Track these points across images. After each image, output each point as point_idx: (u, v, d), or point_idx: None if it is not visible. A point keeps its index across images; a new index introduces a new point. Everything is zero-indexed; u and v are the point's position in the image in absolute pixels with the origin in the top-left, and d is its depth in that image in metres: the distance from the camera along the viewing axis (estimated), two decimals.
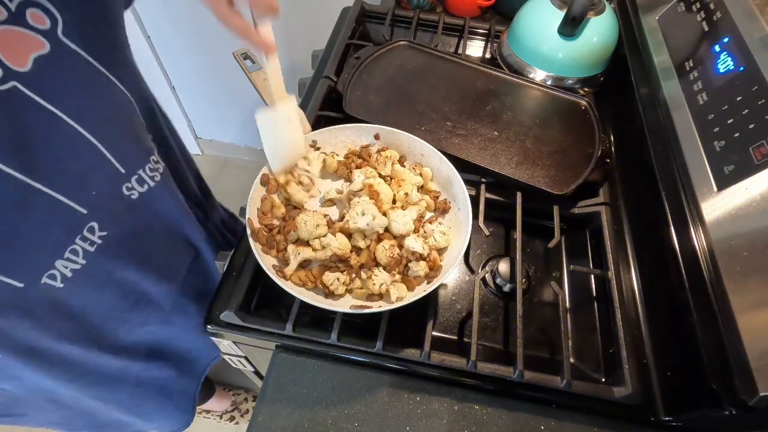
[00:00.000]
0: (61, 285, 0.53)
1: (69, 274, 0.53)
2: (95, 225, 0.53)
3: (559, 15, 0.76)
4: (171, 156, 0.72)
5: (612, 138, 0.78)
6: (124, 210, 0.56)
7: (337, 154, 0.66)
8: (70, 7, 0.46)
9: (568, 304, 0.65)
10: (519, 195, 0.66)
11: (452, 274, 0.67)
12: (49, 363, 0.59)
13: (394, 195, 0.62)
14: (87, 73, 0.49)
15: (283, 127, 0.59)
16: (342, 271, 0.56)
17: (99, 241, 0.54)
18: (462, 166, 0.65)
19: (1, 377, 0.61)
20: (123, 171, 0.54)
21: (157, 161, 0.61)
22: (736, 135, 0.48)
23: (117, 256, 0.57)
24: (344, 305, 0.55)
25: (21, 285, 0.49)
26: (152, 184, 0.59)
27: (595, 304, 0.64)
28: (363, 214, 0.57)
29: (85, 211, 0.51)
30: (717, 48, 0.55)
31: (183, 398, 0.85)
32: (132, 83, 0.59)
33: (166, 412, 0.84)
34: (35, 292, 0.51)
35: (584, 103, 0.77)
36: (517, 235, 0.63)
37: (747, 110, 0.48)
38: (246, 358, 0.73)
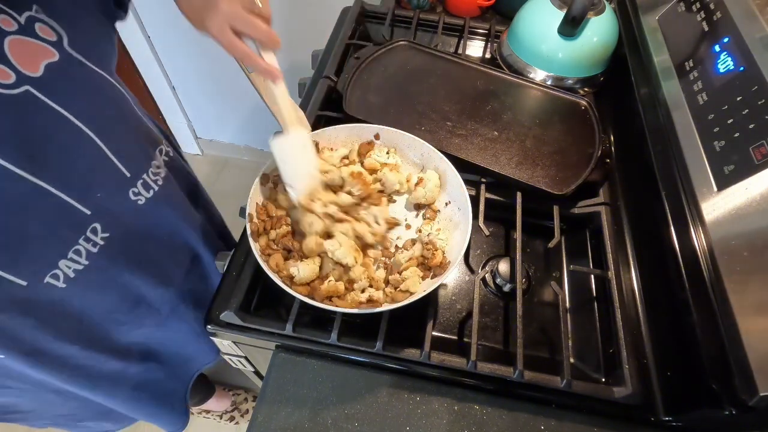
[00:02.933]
0: (64, 285, 0.53)
1: (72, 275, 0.53)
2: (98, 226, 0.54)
3: (559, 15, 0.76)
4: (174, 153, 0.72)
5: (612, 138, 0.78)
6: (130, 214, 0.57)
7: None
8: (71, 25, 0.49)
9: (568, 304, 0.65)
10: (519, 195, 0.66)
11: (452, 274, 0.67)
12: (50, 364, 0.60)
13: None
14: (93, 80, 0.51)
15: (300, 154, 0.58)
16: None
17: (101, 242, 0.55)
18: (462, 166, 0.65)
19: (6, 376, 0.61)
20: (128, 175, 0.55)
21: (159, 165, 0.62)
22: (736, 135, 0.48)
23: (118, 259, 0.58)
24: (344, 305, 0.55)
25: (25, 283, 0.50)
26: (156, 188, 0.60)
27: (595, 304, 0.64)
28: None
29: (88, 212, 0.52)
30: (717, 48, 0.55)
31: (175, 400, 0.86)
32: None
33: (163, 414, 0.84)
34: (38, 291, 0.52)
35: (584, 103, 0.77)
36: (517, 235, 0.63)
37: (747, 110, 0.48)
38: (246, 358, 0.73)
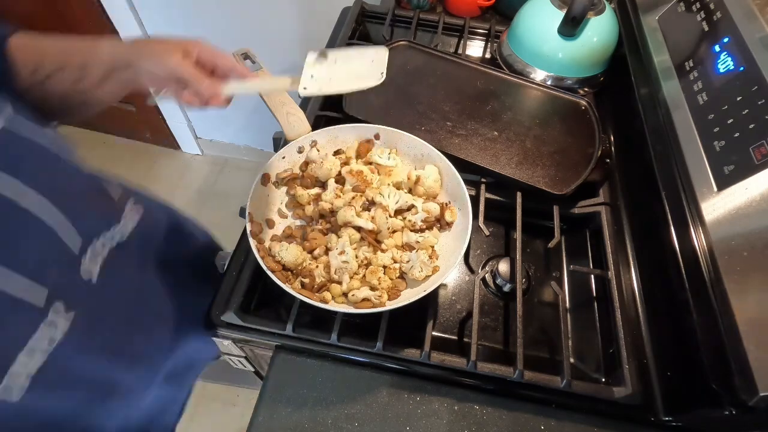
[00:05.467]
0: (17, 399, 0.42)
1: (26, 384, 0.43)
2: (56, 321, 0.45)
3: (559, 15, 0.76)
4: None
5: (612, 138, 0.77)
6: (85, 296, 0.49)
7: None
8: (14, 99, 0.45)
9: (568, 304, 0.65)
10: (519, 195, 0.66)
11: (452, 275, 0.67)
12: None
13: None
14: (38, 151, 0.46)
15: None
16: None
17: (59, 337, 0.46)
18: (462, 166, 0.65)
19: None
20: (76, 252, 0.48)
21: (118, 231, 0.55)
22: (736, 135, 0.48)
23: (79, 349, 0.49)
24: (343, 306, 0.55)
25: None
26: (107, 258, 0.52)
27: (595, 304, 0.64)
28: (389, 196, 0.61)
29: (41, 305, 0.44)
30: (717, 48, 0.55)
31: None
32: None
33: None
34: None
35: (584, 103, 0.77)
36: (517, 235, 0.63)
37: (747, 110, 0.48)
38: (246, 358, 0.73)
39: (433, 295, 0.55)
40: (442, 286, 0.65)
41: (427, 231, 0.61)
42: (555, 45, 0.78)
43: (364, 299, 0.54)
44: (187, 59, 0.48)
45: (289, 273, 0.57)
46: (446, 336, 0.62)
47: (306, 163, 0.66)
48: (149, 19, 1.42)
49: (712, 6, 0.58)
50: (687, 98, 0.57)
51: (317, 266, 0.57)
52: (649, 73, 0.66)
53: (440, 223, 0.62)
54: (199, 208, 1.89)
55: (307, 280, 0.56)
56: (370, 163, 0.66)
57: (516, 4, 0.85)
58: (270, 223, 0.62)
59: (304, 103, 0.79)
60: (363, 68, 0.51)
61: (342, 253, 0.56)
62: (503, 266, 0.63)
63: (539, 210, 0.67)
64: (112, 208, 0.57)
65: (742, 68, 0.50)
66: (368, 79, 0.50)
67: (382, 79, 0.49)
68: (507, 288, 0.64)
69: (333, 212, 0.61)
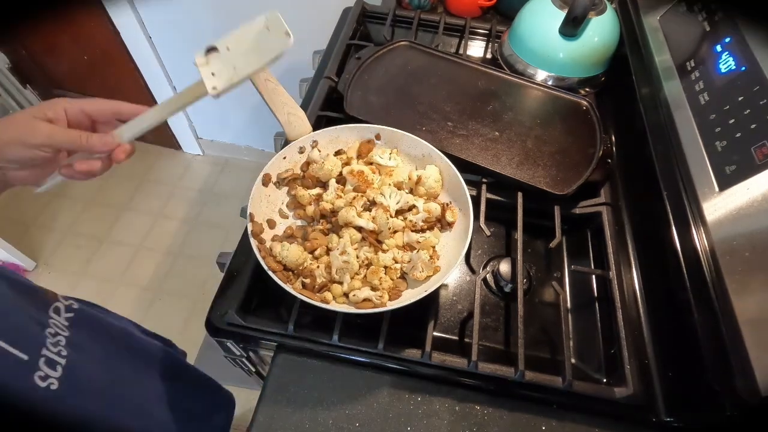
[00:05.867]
0: None
1: None
2: None
3: (560, 15, 0.76)
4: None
5: (613, 138, 0.77)
6: (42, 406, 0.46)
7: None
8: None
9: (569, 305, 0.65)
10: (520, 195, 0.66)
11: (453, 275, 0.67)
12: None
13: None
14: None
15: None
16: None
17: None
18: (463, 166, 0.65)
19: None
20: (25, 357, 0.45)
21: (56, 333, 0.50)
22: (738, 135, 0.48)
23: None
24: (344, 306, 0.55)
25: None
26: (64, 362, 0.48)
27: (597, 304, 0.64)
28: (390, 196, 0.61)
29: None
30: (718, 48, 0.55)
31: None
32: None
33: None
34: None
35: (585, 103, 0.77)
36: (518, 235, 0.63)
37: (748, 110, 0.48)
38: (246, 357, 0.73)
39: (434, 296, 0.55)
40: (443, 286, 0.65)
41: (428, 231, 0.61)
42: (556, 45, 0.78)
43: (365, 299, 0.54)
44: (57, 123, 0.42)
45: (290, 273, 0.57)
46: (447, 336, 0.62)
47: (307, 164, 0.66)
48: (150, 19, 1.42)
49: (713, 6, 0.58)
50: (688, 98, 0.57)
51: (318, 266, 0.57)
52: (650, 73, 0.66)
53: (441, 223, 0.62)
54: (199, 208, 1.89)
55: (308, 281, 0.56)
56: (371, 164, 0.66)
57: (517, 5, 0.85)
58: (271, 224, 0.62)
59: (305, 103, 0.79)
60: (263, 40, 0.47)
61: (343, 253, 0.56)
62: (504, 266, 0.63)
63: (540, 210, 0.67)
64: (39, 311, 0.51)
65: (743, 68, 0.50)
66: (275, 47, 0.46)
67: (291, 40, 0.46)
68: (508, 288, 0.64)
69: (334, 212, 0.61)
